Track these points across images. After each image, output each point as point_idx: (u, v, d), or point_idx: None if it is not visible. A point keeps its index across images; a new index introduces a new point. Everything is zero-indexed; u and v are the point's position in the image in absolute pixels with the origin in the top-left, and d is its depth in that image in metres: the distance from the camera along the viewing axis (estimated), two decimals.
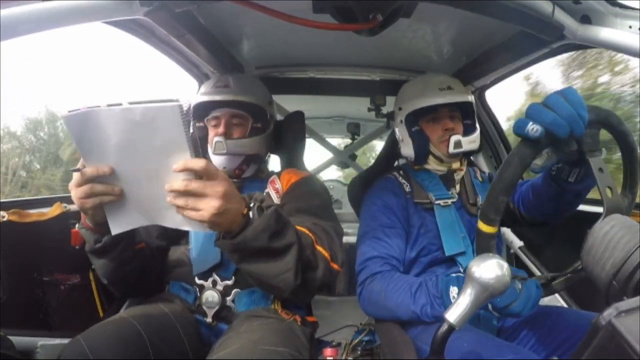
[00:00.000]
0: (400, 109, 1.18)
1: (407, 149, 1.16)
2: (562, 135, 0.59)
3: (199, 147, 0.63)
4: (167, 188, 0.65)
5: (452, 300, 0.79)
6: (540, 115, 0.59)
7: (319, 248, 0.85)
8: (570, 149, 0.63)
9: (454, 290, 0.85)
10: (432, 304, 0.88)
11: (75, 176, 0.72)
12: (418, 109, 1.12)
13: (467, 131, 1.13)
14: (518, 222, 1.12)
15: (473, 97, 1.16)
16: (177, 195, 0.64)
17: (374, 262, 1.00)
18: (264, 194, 1.08)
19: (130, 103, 0.62)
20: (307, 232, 0.85)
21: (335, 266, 0.87)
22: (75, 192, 0.73)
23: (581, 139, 0.62)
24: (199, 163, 0.63)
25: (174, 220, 0.70)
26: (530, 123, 0.59)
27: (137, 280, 0.98)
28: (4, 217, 1.13)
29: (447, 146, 1.10)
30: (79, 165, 0.72)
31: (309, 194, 1.04)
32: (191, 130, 0.61)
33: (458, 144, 1.09)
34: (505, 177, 0.61)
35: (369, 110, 1.65)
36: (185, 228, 0.71)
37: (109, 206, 0.74)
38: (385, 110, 1.62)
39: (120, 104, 0.63)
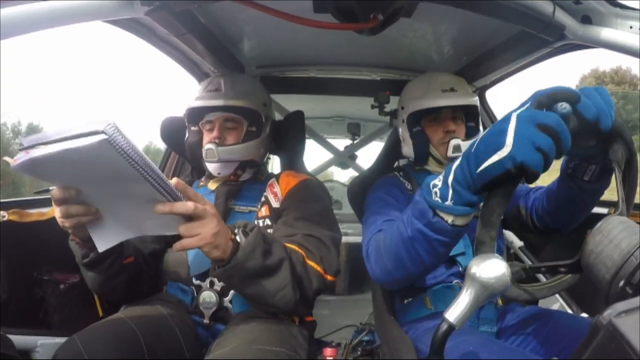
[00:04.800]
0: (402, 108, 1.17)
1: (408, 149, 1.16)
2: (589, 118, 0.57)
3: (158, 172, 0.59)
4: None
5: (432, 189, 0.65)
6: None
7: (311, 263, 0.87)
8: (587, 144, 0.62)
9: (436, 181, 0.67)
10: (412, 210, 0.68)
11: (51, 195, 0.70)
12: (419, 110, 1.11)
13: (470, 134, 1.11)
14: (530, 231, 1.07)
15: (477, 99, 1.14)
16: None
17: (382, 223, 0.89)
18: (263, 198, 1.08)
19: (56, 140, 0.54)
20: (296, 248, 0.87)
21: (329, 277, 0.90)
22: (55, 212, 0.71)
23: (605, 133, 0.59)
24: (186, 207, 0.65)
25: (156, 229, 0.71)
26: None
27: (126, 290, 0.97)
28: (4, 216, 1.14)
29: (447, 149, 1.07)
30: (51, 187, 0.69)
31: (308, 200, 1.03)
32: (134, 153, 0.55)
33: (457, 148, 1.05)
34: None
35: (372, 107, 1.64)
36: (171, 233, 0.71)
37: (90, 225, 0.72)
38: (388, 108, 1.61)
39: (47, 141, 0.55)
